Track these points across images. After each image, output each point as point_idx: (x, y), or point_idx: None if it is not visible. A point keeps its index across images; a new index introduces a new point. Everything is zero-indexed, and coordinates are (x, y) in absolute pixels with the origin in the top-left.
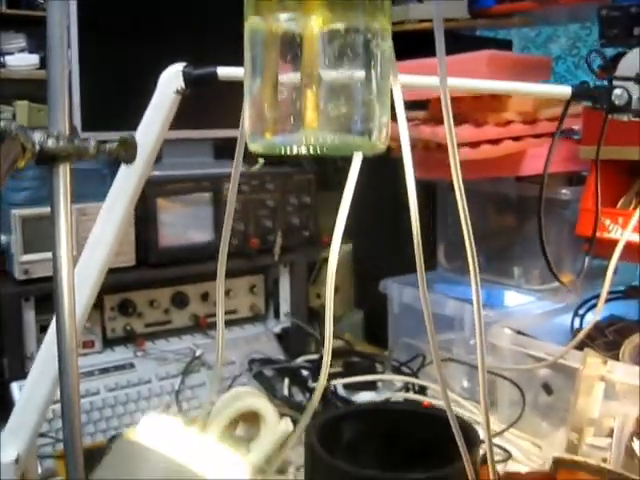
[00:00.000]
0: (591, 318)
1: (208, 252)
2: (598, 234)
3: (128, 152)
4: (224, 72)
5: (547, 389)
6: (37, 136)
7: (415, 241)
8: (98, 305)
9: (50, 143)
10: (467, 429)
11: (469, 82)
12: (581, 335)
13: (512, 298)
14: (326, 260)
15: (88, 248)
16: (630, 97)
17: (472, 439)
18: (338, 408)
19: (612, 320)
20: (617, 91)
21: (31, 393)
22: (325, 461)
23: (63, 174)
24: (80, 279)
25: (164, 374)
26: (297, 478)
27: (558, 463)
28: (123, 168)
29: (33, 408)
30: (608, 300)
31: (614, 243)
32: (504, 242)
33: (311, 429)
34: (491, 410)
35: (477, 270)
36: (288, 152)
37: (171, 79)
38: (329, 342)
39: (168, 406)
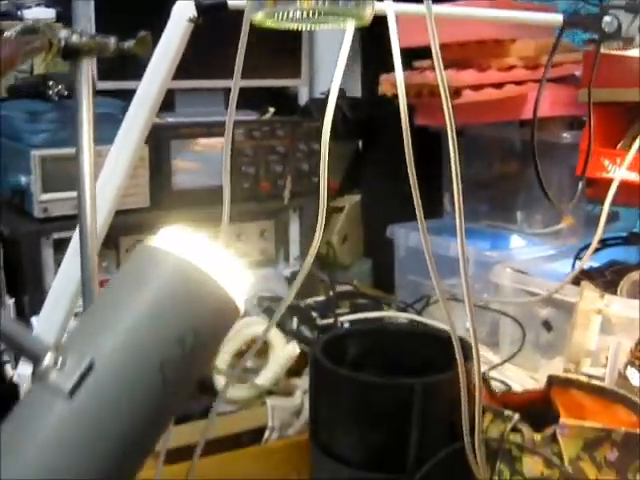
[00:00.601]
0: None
1: (220, 196)
2: (597, 174)
3: (144, 49)
4: (233, 3)
5: (547, 326)
6: (63, 33)
7: (411, 181)
8: (114, 246)
9: (74, 38)
10: (465, 347)
11: (459, 10)
12: (577, 269)
13: (515, 242)
14: (335, 209)
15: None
16: (620, 25)
17: (469, 355)
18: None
19: (612, 264)
20: (607, 18)
21: (54, 303)
22: (329, 370)
23: (85, 68)
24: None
25: None
26: (303, 401)
27: (552, 381)
28: (137, 96)
29: (56, 318)
30: (609, 246)
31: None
32: (508, 188)
33: (316, 345)
34: (494, 349)
35: (462, 209)
36: (285, 17)
37: (184, 8)
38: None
39: None
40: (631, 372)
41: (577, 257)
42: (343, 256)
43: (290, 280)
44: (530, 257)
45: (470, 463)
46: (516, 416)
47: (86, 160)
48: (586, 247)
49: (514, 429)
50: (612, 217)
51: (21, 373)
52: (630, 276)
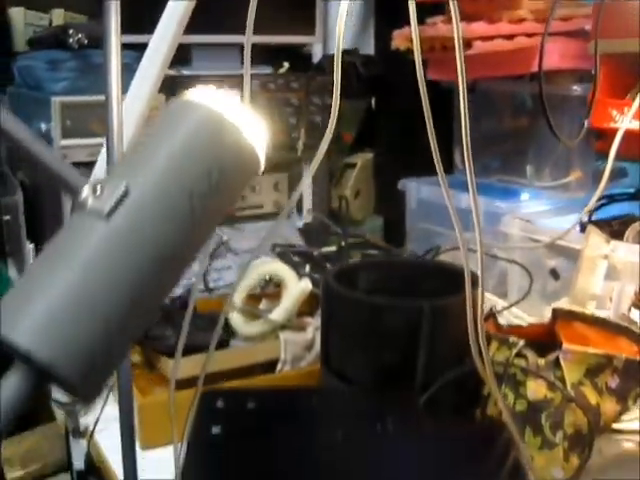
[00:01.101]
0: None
1: None
2: (605, 124)
3: None
4: None
5: (554, 275)
6: None
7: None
8: None
9: None
10: (475, 276)
11: None
12: (583, 214)
13: (525, 196)
14: (348, 166)
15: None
16: None
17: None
18: None
19: (620, 216)
20: None
21: None
22: (340, 294)
23: (115, 9)
24: None
25: None
26: (315, 336)
27: (557, 314)
28: (150, 48)
29: None
30: (617, 201)
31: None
32: (518, 143)
33: (329, 274)
34: (502, 298)
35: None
36: None
37: None
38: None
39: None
40: (635, 314)
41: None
42: (355, 211)
43: (302, 232)
44: (539, 209)
45: (481, 377)
46: (521, 342)
47: (115, 104)
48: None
49: (519, 354)
50: (620, 173)
51: None
52: (635, 225)
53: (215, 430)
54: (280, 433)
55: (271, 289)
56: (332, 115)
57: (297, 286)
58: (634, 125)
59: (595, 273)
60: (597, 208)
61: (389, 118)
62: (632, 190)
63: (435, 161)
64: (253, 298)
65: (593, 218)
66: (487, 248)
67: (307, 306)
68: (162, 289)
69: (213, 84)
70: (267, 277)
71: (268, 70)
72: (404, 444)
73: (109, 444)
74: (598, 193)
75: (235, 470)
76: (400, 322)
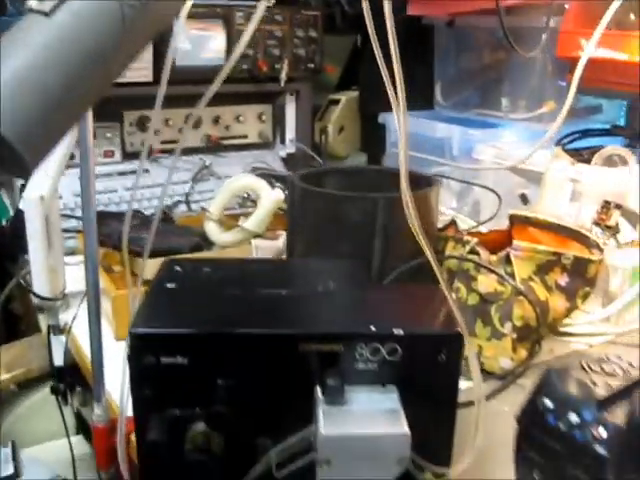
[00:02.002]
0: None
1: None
2: (574, 53)
3: None
4: None
5: (524, 199)
6: None
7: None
8: (118, 119)
9: None
10: (432, 179)
11: None
12: (547, 136)
13: (501, 127)
14: (333, 102)
15: None
16: None
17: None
18: None
19: (591, 147)
20: None
21: None
22: (303, 189)
23: None
24: None
25: (176, 179)
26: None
27: (513, 219)
28: None
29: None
30: (591, 136)
31: (594, 65)
32: (495, 76)
33: (294, 176)
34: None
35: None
36: None
37: None
38: None
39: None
40: (596, 230)
41: (558, 144)
42: (339, 147)
43: (285, 160)
44: (512, 139)
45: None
46: (474, 240)
47: None
48: (568, 135)
49: (472, 252)
50: (595, 109)
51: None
52: (603, 152)
53: (170, 285)
54: (228, 288)
55: (250, 207)
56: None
57: (270, 196)
58: (600, 53)
59: (560, 195)
60: (571, 142)
61: (374, 56)
62: (607, 126)
63: (397, 95)
64: (233, 218)
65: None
66: (461, 173)
67: (282, 224)
68: (92, 81)
69: (199, 13)
70: (245, 194)
71: (253, 2)
72: (345, 295)
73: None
74: (560, 120)
75: (183, 312)
76: (357, 214)
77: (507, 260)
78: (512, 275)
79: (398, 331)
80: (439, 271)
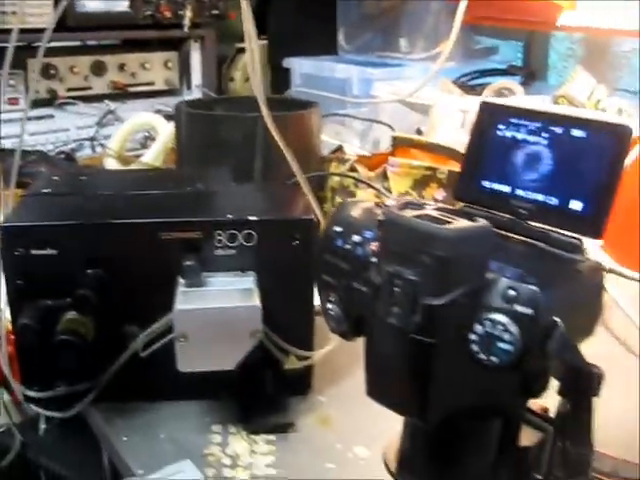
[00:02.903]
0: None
1: (125, 21)
2: None
3: None
4: None
5: (419, 133)
6: None
7: None
8: (21, 67)
9: None
10: (314, 103)
11: None
12: (433, 71)
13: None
14: (240, 50)
15: None
16: None
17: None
18: None
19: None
20: None
21: None
22: (187, 112)
23: None
24: None
25: (81, 124)
26: None
27: (396, 141)
28: None
29: None
30: (488, 75)
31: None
32: (394, 18)
33: (181, 103)
34: None
35: None
36: None
37: None
38: None
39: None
40: None
41: (455, 81)
42: (246, 94)
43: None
44: (409, 77)
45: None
46: (353, 158)
47: None
48: (466, 75)
49: (352, 170)
50: (491, 50)
51: None
52: (493, 85)
53: (45, 190)
54: (101, 191)
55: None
56: None
57: (165, 130)
58: None
59: (449, 124)
60: (469, 80)
61: (282, 4)
62: (504, 66)
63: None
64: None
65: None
66: (358, 113)
67: None
68: None
69: None
70: (145, 132)
71: None
72: (209, 193)
73: None
74: (444, 56)
75: (53, 209)
76: (237, 133)
77: (385, 176)
78: (389, 190)
79: (253, 217)
80: (303, 180)
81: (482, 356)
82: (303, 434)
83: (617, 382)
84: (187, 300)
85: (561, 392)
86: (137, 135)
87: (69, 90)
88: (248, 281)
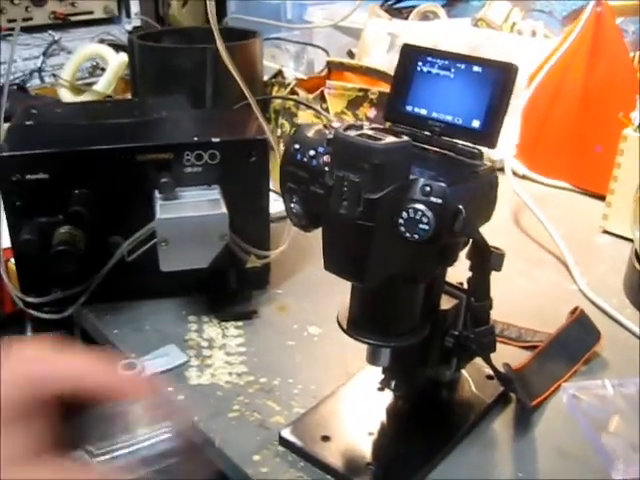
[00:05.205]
0: None
1: None
2: None
3: None
4: None
5: (350, 55)
6: None
7: None
8: None
9: None
10: (257, 33)
11: None
12: None
13: None
14: None
15: None
16: None
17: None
18: None
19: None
20: None
21: None
22: (139, 44)
23: None
24: None
25: (27, 55)
26: None
27: (330, 65)
28: None
29: None
30: None
31: None
32: None
33: (132, 34)
34: None
35: None
36: None
37: None
38: None
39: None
40: None
41: (382, 5)
42: (183, 18)
43: (131, 33)
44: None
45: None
46: (294, 82)
47: None
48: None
49: (292, 92)
50: None
51: None
52: (419, 9)
53: (28, 123)
54: (78, 121)
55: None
56: None
57: (115, 59)
58: None
59: (378, 47)
60: (396, 2)
61: None
62: None
63: None
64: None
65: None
66: (292, 37)
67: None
68: None
69: None
70: (94, 62)
71: None
72: (174, 119)
73: None
74: None
75: (41, 139)
76: (188, 63)
77: (322, 98)
78: (327, 110)
79: (216, 139)
80: (255, 105)
81: (407, 235)
82: (265, 319)
83: (523, 267)
84: (166, 211)
85: (471, 268)
86: (85, 64)
87: (10, 22)
88: (214, 193)
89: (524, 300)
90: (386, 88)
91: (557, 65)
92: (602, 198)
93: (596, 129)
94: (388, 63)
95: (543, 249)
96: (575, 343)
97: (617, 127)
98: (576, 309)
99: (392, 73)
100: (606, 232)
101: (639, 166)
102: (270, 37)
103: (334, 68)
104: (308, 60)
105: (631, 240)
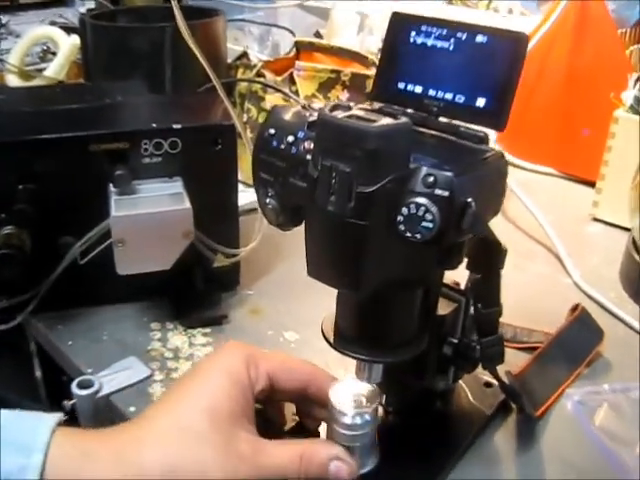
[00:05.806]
0: None
1: None
2: None
3: None
4: None
5: (318, 35)
6: None
7: None
8: None
9: None
10: (219, 11)
11: None
12: None
13: None
14: None
15: None
16: None
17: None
18: None
19: None
20: None
21: None
22: (91, 24)
23: None
24: None
25: None
26: None
27: (299, 45)
28: None
29: None
30: None
31: None
32: None
33: (85, 15)
34: None
35: None
36: None
37: None
38: None
39: None
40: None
41: None
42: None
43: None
44: None
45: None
46: (260, 63)
47: None
48: None
49: (259, 75)
50: None
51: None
52: None
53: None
54: (25, 108)
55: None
56: None
57: (66, 42)
58: None
59: (348, 29)
60: None
61: None
62: None
63: None
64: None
65: None
66: (256, 18)
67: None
68: None
69: None
70: (44, 46)
71: None
72: (130, 105)
73: None
74: None
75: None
76: (145, 44)
77: (291, 80)
78: (297, 93)
79: (177, 125)
80: (220, 88)
81: (408, 234)
82: (236, 324)
83: (513, 259)
84: (122, 207)
85: (470, 266)
86: (35, 49)
87: None
88: (177, 186)
89: (516, 296)
90: (359, 69)
91: (540, 44)
92: (590, 184)
93: (583, 111)
94: (359, 45)
95: (532, 239)
96: (577, 344)
97: (606, 108)
98: (577, 307)
99: (365, 54)
100: (596, 220)
101: (639, 150)
102: (233, 19)
103: (303, 49)
104: (273, 42)
105: (624, 228)
